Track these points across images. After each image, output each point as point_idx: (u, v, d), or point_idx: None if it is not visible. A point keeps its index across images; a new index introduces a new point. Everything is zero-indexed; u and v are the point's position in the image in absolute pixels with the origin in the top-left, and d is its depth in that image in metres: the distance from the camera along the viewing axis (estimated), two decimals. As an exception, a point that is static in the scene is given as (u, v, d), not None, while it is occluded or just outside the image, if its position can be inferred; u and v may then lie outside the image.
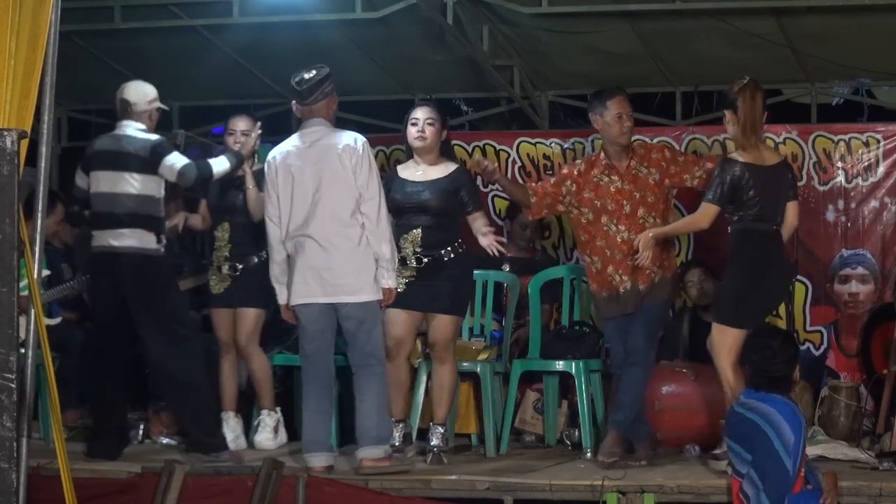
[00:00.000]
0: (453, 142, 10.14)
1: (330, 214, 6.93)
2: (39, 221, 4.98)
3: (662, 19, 9.08)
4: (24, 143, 4.70)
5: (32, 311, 4.95)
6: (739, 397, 6.39)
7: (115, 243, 7.38)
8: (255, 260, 7.83)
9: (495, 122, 11.42)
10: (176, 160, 7.41)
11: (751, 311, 6.98)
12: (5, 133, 4.61)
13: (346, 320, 6.98)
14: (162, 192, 7.47)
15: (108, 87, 10.72)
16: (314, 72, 7.17)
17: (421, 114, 7.48)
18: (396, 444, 7.34)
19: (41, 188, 4.99)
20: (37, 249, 4.94)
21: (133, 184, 7.38)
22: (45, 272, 7.69)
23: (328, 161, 6.99)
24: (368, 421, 6.94)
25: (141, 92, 7.58)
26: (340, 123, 10.69)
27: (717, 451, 7.02)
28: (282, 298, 7.17)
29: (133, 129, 7.49)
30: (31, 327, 4.98)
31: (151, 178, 7.42)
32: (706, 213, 7.10)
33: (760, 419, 6.17)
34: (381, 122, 10.24)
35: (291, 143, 7.17)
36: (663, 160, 7.50)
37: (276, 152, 7.17)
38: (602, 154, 7.52)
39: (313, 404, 7.03)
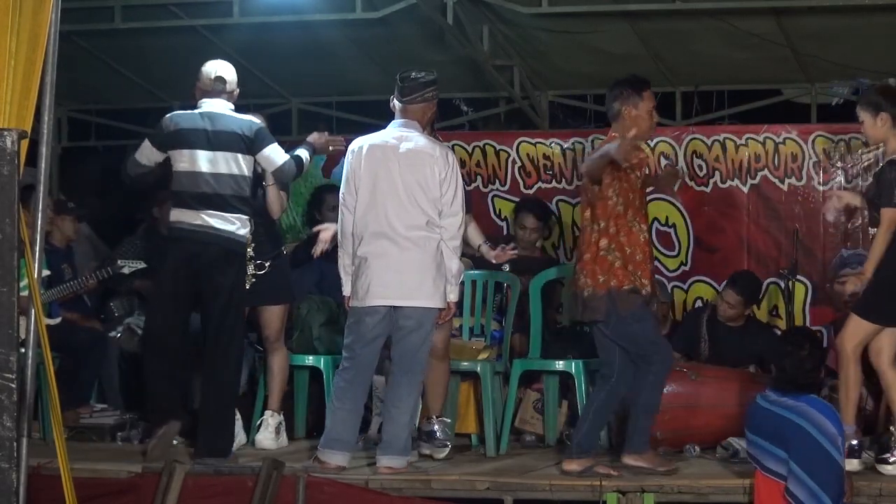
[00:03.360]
0: (453, 142, 10.21)
1: (411, 219, 6.88)
2: (39, 221, 4.98)
3: (662, 19, 9.09)
4: (24, 143, 4.70)
5: (32, 311, 4.95)
6: (768, 394, 6.39)
7: (217, 225, 7.14)
8: (278, 256, 7.83)
9: (495, 122, 11.43)
10: (277, 154, 7.25)
11: (881, 309, 6.88)
12: (5, 133, 4.61)
13: (406, 319, 6.90)
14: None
15: (108, 87, 10.82)
16: (423, 73, 7.11)
17: None
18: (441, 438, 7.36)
19: (41, 188, 4.99)
20: (37, 249, 4.94)
21: (240, 164, 7.20)
22: (45, 272, 7.67)
23: (419, 167, 6.92)
24: (403, 431, 6.94)
25: (232, 70, 7.41)
26: (341, 123, 10.84)
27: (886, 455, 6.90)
28: (348, 289, 7.07)
29: (226, 108, 7.30)
30: (31, 327, 4.98)
31: (251, 159, 7.27)
32: (893, 218, 6.78)
33: (796, 415, 6.18)
34: (381, 123, 10.10)
35: (380, 137, 7.08)
36: None
37: (364, 143, 7.06)
38: None
39: (350, 404, 6.98)
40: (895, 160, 6.88)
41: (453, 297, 7.01)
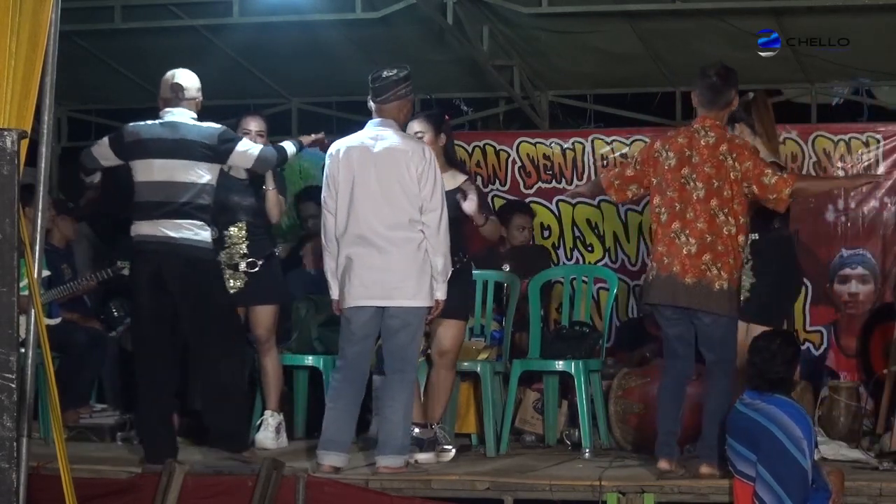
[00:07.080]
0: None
1: (391, 218, 6.85)
2: (39, 221, 4.98)
3: (662, 19, 9.09)
4: (24, 143, 4.69)
5: (32, 311, 4.95)
6: (743, 397, 6.40)
7: (172, 234, 7.07)
8: (270, 257, 7.82)
9: (495, 122, 11.44)
10: (249, 146, 7.27)
11: (779, 311, 7.09)
12: (5, 133, 4.61)
13: (391, 319, 6.88)
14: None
15: (108, 87, 10.83)
16: (394, 71, 7.08)
17: (415, 127, 7.43)
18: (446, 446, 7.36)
19: (41, 188, 4.98)
20: (37, 249, 4.94)
21: (199, 172, 7.13)
22: (45, 272, 7.67)
23: (395, 166, 6.89)
24: (397, 430, 6.92)
25: (191, 77, 7.36)
26: (341, 123, 10.84)
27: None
28: (336, 293, 7.04)
29: (187, 117, 7.25)
30: (31, 327, 4.98)
31: (215, 167, 7.22)
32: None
33: (764, 419, 6.19)
34: (381, 122, 10.25)
35: (358, 138, 7.04)
36: None
37: (341, 145, 7.03)
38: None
39: (343, 403, 6.95)
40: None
41: (440, 294, 6.96)
